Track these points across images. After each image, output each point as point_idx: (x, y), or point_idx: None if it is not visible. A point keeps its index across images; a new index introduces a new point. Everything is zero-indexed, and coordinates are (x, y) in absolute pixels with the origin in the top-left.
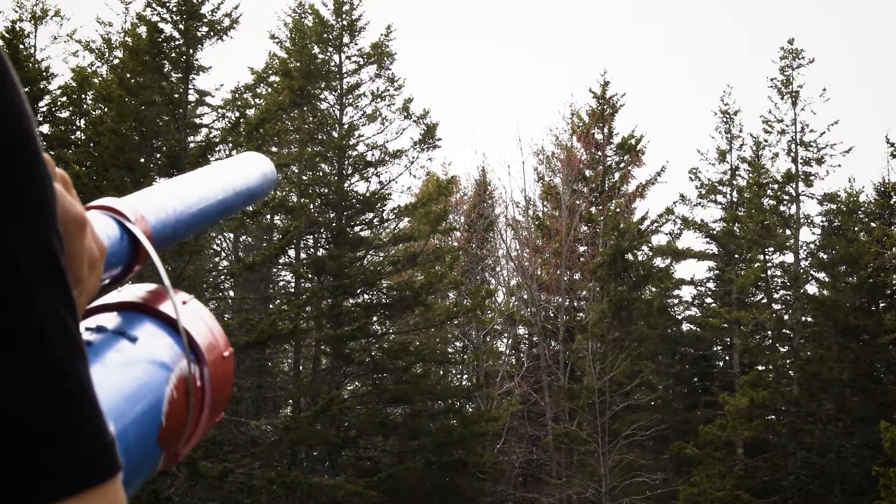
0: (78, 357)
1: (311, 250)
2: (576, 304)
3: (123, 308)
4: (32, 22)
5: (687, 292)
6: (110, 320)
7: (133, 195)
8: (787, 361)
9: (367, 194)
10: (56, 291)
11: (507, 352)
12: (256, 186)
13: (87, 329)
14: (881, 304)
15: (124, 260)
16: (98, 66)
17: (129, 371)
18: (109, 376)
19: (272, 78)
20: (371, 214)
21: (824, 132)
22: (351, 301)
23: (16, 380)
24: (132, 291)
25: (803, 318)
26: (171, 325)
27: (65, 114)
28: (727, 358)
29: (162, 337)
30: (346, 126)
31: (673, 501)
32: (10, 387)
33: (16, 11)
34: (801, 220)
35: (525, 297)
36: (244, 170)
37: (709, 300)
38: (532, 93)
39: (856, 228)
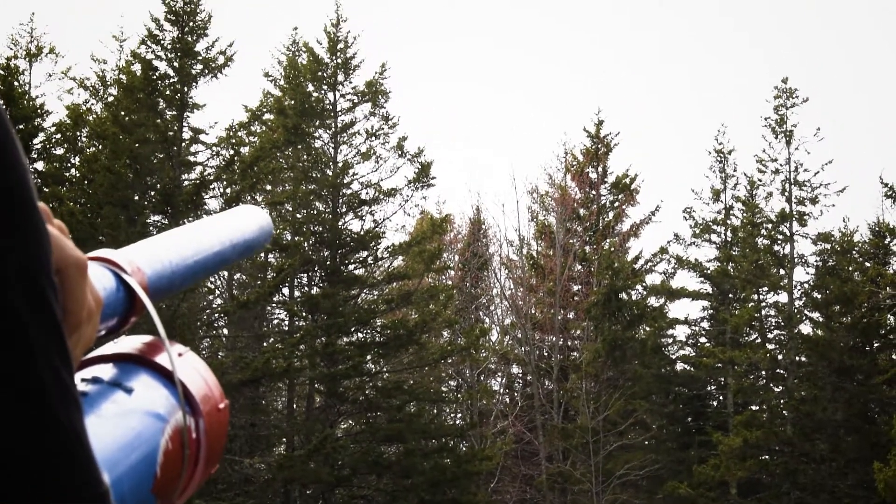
0: (74, 410)
1: (306, 288)
2: (570, 343)
3: (119, 359)
4: (27, 59)
5: (681, 332)
6: (106, 371)
7: (129, 247)
8: (781, 401)
9: (362, 233)
10: (52, 344)
11: (501, 391)
12: (253, 239)
13: (84, 380)
14: (875, 344)
15: (120, 311)
16: (92, 104)
17: (124, 422)
18: (105, 427)
19: (266, 116)
20: (365, 253)
21: (818, 171)
22: (345, 339)
23: (13, 434)
24: (128, 343)
25: (797, 358)
26: (166, 377)
27: (59, 151)
28: (721, 398)
29: (157, 388)
30: (340, 164)
31: None
32: (7, 441)
33: (10, 49)
34: (796, 260)
35: (519, 335)
36: (241, 222)
37: (703, 340)
38: (526, 131)
39: (850, 268)
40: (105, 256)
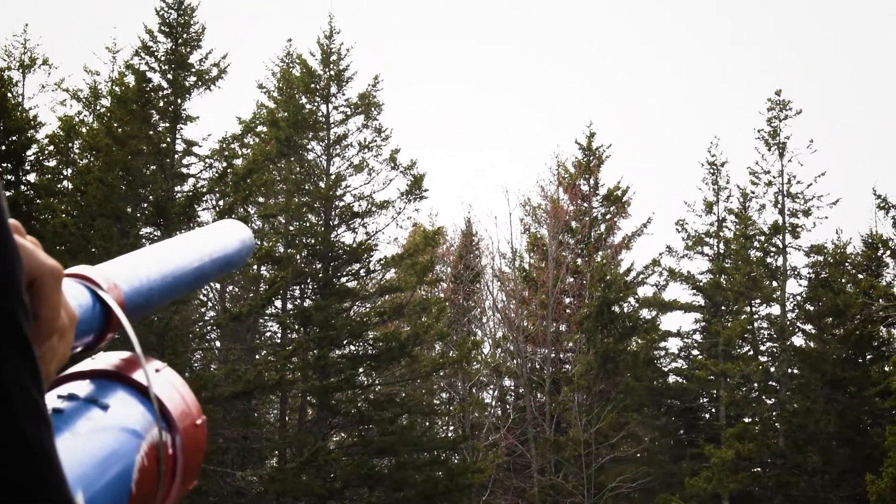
0: (44, 430)
1: (298, 301)
2: (562, 355)
3: (96, 376)
4: (20, 70)
5: (673, 344)
6: (82, 388)
7: (107, 263)
8: (774, 414)
9: (354, 245)
10: (22, 363)
11: (493, 403)
12: (234, 254)
13: (59, 397)
14: (868, 357)
15: (97, 328)
16: (85, 116)
17: (99, 438)
18: (80, 444)
19: (260, 128)
20: (358, 265)
21: (811, 184)
22: (337, 352)
23: None
24: (106, 359)
25: (790, 371)
26: (143, 393)
27: (52, 162)
28: (713, 410)
29: (134, 405)
30: (333, 176)
31: None
32: None
33: (4, 60)
34: (788, 272)
35: (511, 348)
36: (221, 237)
37: (695, 352)
38: (518, 143)
39: (843, 280)
40: (81, 273)
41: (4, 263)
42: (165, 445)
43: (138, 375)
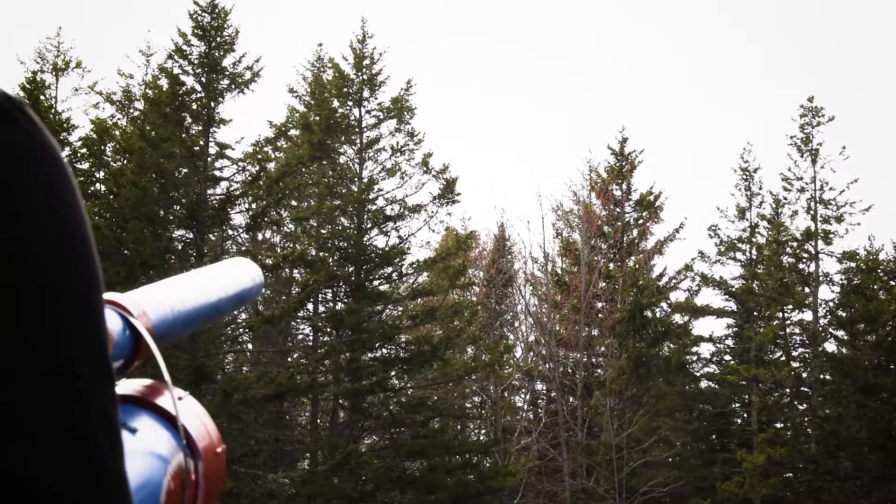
0: (120, 459)
1: (330, 304)
2: (594, 360)
3: (122, 401)
4: (54, 73)
5: (705, 349)
6: None
7: (134, 291)
8: (805, 419)
9: (386, 248)
10: (106, 393)
11: (525, 407)
12: (246, 290)
13: None
14: None
15: (126, 353)
16: (118, 119)
17: (130, 462)
18: None
19: (292, 131)
20: (390, 269)
21: (844, 190)
22: (369, 355)
23: (69, 482)
24: (129, 385)
25: (822, 376)
26: (167, 420)
27: (85, 165)
28: (745, 415)
29: (159, 430)
30: (365, 180)
31: None
32: (63, 488)
33: (37, 63)
34: (821, 278)
35: (543, 352)
36: (235, 274)
37: (727, 357)
38: (551, 148)
39: (875, 287)
40: (113, 299)
41: (96, 301)
42: (189, 472)
43: (163, 402)
